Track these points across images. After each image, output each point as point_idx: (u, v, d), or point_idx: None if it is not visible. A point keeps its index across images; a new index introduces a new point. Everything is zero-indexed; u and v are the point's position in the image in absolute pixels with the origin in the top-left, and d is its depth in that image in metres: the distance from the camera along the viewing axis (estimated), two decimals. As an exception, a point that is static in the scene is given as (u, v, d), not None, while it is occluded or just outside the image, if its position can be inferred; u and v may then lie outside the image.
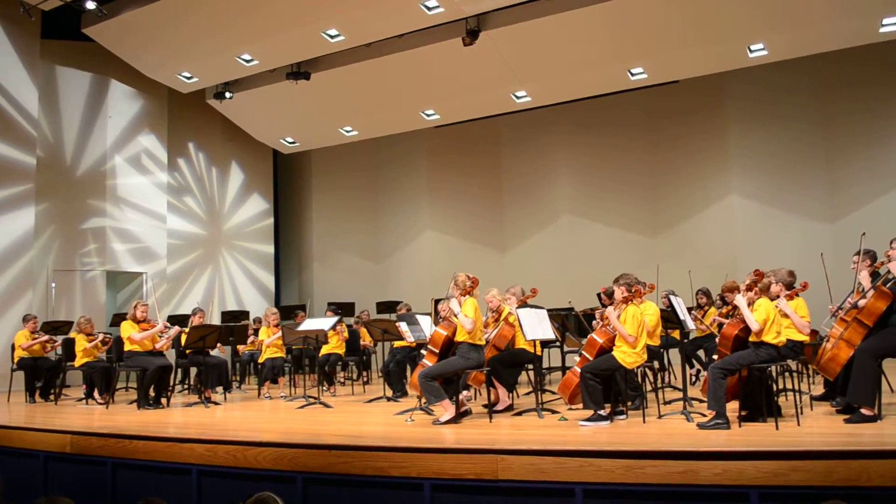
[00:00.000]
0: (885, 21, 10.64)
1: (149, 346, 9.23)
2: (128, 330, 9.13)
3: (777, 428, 5.51)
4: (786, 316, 6.65)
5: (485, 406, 7.44)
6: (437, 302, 10.00)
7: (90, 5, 11.63)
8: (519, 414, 7.27)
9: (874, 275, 6.33)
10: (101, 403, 9.79)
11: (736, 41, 11.38)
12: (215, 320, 14.77)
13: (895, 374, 7.48)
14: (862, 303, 5.89)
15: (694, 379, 9.50)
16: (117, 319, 11.55)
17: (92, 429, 6.90)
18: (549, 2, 11.15)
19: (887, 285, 5.80)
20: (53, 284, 13.66)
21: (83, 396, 10.29)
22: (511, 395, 7.90)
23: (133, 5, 11.87)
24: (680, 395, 7.14)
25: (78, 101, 14.29)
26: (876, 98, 12.62)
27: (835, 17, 10.63)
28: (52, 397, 10.55)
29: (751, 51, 11.57)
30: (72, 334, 10.73)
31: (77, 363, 10.19)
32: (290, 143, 16.34)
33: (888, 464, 4.15)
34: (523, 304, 7.79)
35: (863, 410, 5.55)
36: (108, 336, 10.48)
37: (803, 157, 13.14)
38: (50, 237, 13.73)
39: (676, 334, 8.22)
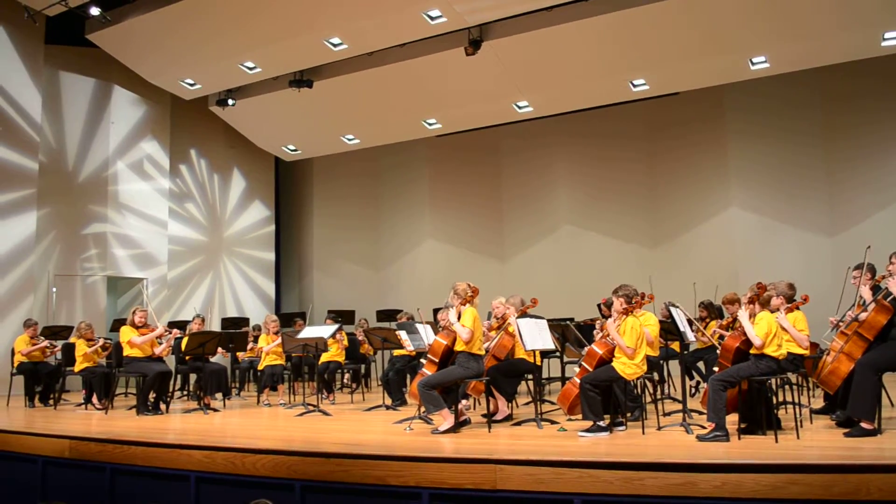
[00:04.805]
0: (886, 35, 10.67)
1: (148, 352, 9.24)
2: (127, 334, 9.14)
3: (776, 441, 5.51)
4: (785, 329, 6.65)
5: (484, 416, 7.43)
6: (436, 311, 10.01)
7: (94, 11, 11.68)
8: (518, 424, 7.27)
9: (875, 288, 6.34)
10: (99, 409, 9.79)
11: (738, 53, 11.41)
12: (215, 327, 14.76)
13: (895, 388, 7.47)
14: (863, 316, 5.88)
15: (693, 391, 9.50)
16: (117, 325, 11.55)
17: (91, 434, 6.90)
18: (551, 13, 11.17)
19: (888, 299, 5.80)
20: (54, 289, 13.66)
21: (82, 402, 10.28)
22: (510, 404, 7.90)
23: (137, 12, 11.92)
24: (679, 406, 7.13)
25: (81, 107, 14.32)
26: (876, 111, 12.61)
27: (837, 31, 10.67)
28: (51, 402, 10.54)
29: (752, 63, 11.61)
30: (72, 339, 10.72)
31: (77, 368, 10.18)
32: (291, 150, 16.37)
33: (888, 478, 4.14)
34: (523, 314, 7.78)
35: (863, 424, 5.54)
36: (108, 341, 10.47)
37: (804, 169, 13.14)
38: (51, 242, 13.74)
39: (676, 346, 8.21)
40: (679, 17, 10.73)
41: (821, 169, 13.06)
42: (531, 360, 7.55)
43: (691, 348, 9.30)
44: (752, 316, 5.96)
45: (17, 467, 7.06)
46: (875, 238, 9.98)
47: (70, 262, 13.93)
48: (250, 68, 12.85)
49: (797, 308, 6.96)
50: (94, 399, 10.05)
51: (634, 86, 12.51)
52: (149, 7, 11.75)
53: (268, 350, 10.36)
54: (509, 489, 4.83)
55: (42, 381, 10.65)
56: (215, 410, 9.42)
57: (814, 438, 5.78)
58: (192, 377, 10.62)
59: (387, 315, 14.13)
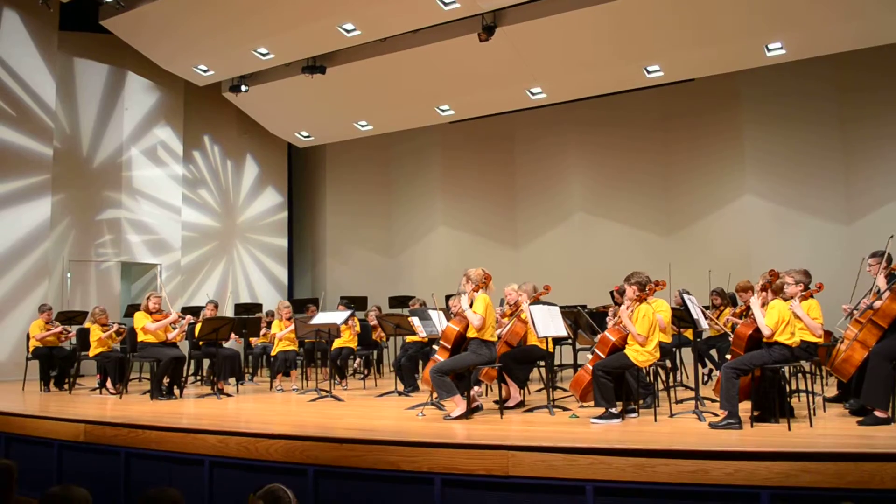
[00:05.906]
0: (905, 21, 10.56)
1: (162, 337, 9.30)
2: (141, 320, 9.20)
3: (789, 429, 5.49)
4: (798, 318, 6.61)
5: (496, 402, 7.44)
6: (448, 298, 10.02)
7: (108, -3, 11.70)
8: (530, 410, 7.27)
9: (889, 277, 6.30)
10: (114, 393, 9.86)
11: (753, 39, 11.30)
12: (228, 313, 14.82)
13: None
14: (877, 304, 5.85)
15: (706, 378, 9.48)
16: (132, 310, 11.63)
17: (106, 418, 6.95)
18: (565, -2, 11.13)
19: (903, 288, 5.76)
20: (69, 275, 13.76)
21: (97, 386, 10.36)
22: (522, 391, 7.90)
23: (151, -2, 11.94)
24: (692, 394, 7.13)
25: (95, 93, 14.37)
26: (890, 102, 12.51)
27: (853, 17, 10.54)
28: (66, 387, 10.64)
29: (768, 49, 11.50)
30: (86, 324, 10.81)
31: (91, 353, 10.25)
32: (304, 136, 16.38)
33: (901, 466, 4.12)
34: (536, 301, 7.78)
35: (876, 412, 5.52)
36: (123, 326, 10.54)
37: (819, 159, 13.04)
38: (66, 228, 13.83)
39: (689, 333, 8.19)
40: (694, 2, 10.64)
41: (836, 159, 12.96)
42: (543, 346, 7.55)
43: (704, 336, 9.29)
44: (764, 304, 5.94)
45: (33, 451, 7.14)
46: (889, 227, 9.91)
47: (84, 248, 14.01)
48: (263, 54, 12.84)
49: (811, 296, 6.92)
50: (109, 384, 10.11)
51: (649, 72, 12.42)
52: (162, -7, 11.77)
53: (281, 336, 10.40)
54: (521, 475, 4.85)
55: (57, 365, 10.74)
56: (228, 395, 9.47)
57: (827, 427, 5.77)
58: (206, 362, 10.70)
59: (399, 301, 14.16)
